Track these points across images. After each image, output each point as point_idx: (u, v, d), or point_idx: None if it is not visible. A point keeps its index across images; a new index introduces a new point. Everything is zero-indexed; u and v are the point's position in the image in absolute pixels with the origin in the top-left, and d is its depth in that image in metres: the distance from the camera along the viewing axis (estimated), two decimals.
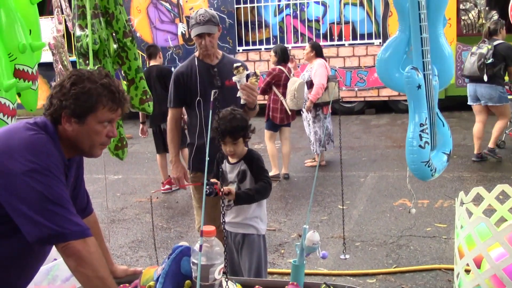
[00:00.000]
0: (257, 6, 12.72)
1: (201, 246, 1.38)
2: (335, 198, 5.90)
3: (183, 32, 12.95)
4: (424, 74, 2.31)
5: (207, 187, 2.85)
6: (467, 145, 8.16)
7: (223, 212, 1.98)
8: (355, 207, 5.58)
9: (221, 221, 2.22)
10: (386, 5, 11.80)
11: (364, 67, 12.03)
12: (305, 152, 7.90)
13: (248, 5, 12.65)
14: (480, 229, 3.09)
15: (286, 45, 12.54)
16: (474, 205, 3.67)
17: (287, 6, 12.61)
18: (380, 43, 11.94)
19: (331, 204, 5.70)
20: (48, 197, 1.75)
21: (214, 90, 1.64)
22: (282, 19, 12.72)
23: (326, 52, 9.65)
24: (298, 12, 12.55)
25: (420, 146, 2.32)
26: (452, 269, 3.91)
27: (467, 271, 3.26)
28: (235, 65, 3.23)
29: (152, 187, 6.92)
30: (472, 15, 15.35)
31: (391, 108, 12.18)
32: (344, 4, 12.28)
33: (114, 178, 7.40)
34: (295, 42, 12.61)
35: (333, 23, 12.39)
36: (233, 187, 2.92)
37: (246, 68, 3.33)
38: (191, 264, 1.60)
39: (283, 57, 6.69)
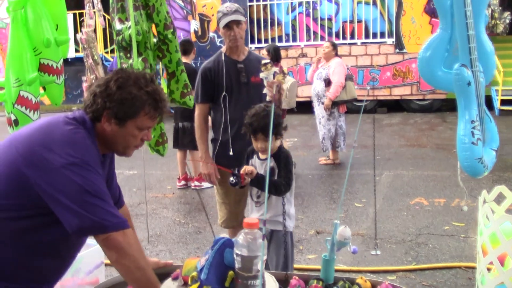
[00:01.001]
0: (269, 4, 12.75)
1: (264, 236, 1.40)
2: (351, 196, 5.92)
3: (196, 29, 12.99)
4: (472, 71, 2.32)
5: (234, 176, 2.88)
6: None
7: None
8: (371, 205, 5.58)
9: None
10: (400, 4, 11.79)
11: (377, 66, 12.02)
12: (318, 150, 7.90)
13: (261, 2, 12.68)
14: (504, 228, 3.10)
15: (298, 43, 12.61)
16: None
17: (300, 4, 12.63)
18: (393, 42, 11.94)
19: (347, 202, 5.71)
20: (88, 190, 1.79)
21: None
22: (295, 17, 12.73)
23: (338, 50, 9.66)
24: (310, 10, 12.56)
25: (472, 143, 2.33)
26: (472, 268, 3.93)
27: (488, 270, 3.26)
28: (263, 61, 3.26)
29: (167, 183, 6.96)
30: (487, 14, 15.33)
31: (402, 107, 12.18)
32: (357, 3, 12.27)
33: (130, 174, 7.44)
34: (307, 40, 12.63)
35: (346, 21, 12.40)
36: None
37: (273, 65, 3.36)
38: (235, 256, 1.63)
39: (275, 56, 6.62)
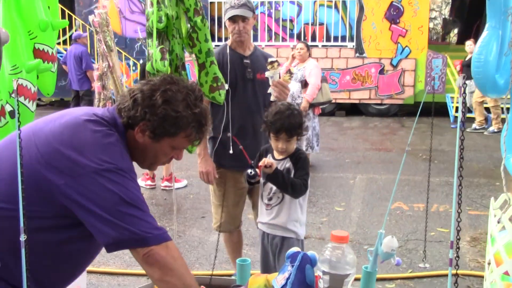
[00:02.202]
0: None
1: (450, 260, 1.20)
2: (329, 199, 5.82)
3: None
4: None
5: (252, 168, 2.69)
6: (444, 151, 8.30)
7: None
8: (352, 209, 5.51)
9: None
10: (361, 9, 11.89)
11: (337, 69, 12.07)
12: None
13: (222, 0, 12.43)
14: None
15: (259, 43, 12.45)
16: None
17: (262, 3, 12.50)
18: (353, 46, 12.02)
19: (327, 206, 5.60)
20: (125, 199, 1.56)
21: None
22: (256, 17, 12.58)
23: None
24: (272, 10, 12.45)
25: None
26: (469, 275, 3.91)
27: None
28: (269, 60, 3.08)
29: None
30: (440, 23, 15.78)
31: (360, 111, 12.29)
32: (319, 5, 12.29)
33: None
34: (268, 41, 12.50)
35: (307, 23, 12.38)
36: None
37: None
38: (321, 274, 1.43)
39: None
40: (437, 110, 11.59)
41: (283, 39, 12.37)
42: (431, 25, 14.47)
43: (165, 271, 1.57)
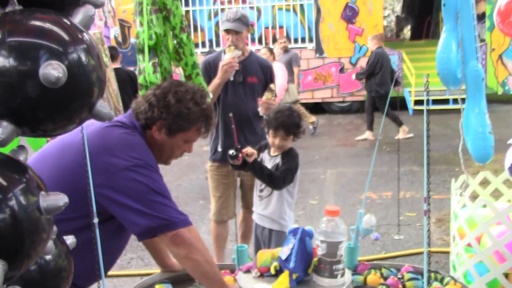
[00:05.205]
0: (192, 10, 12.77)
1: (425, 211, 1.50)
2: (304, 194, 6.14)
3: (116, 35, 12.68)
4: None
5: (235, 150, 2.82)
6: (405, 142, 8.75)
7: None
8: (325, 202, 5.85)
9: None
10: (318, 10, 12.32)
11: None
12: None
13: (183, 8, 12.65)
14: (479, 212, 3.44)
15: (221, 48, 12.72)
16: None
17: (222, 10, 12.76)
18: (313, 47, 12.43)
19: (302, 200, 5.92)
20: (154, 190, 1.82)
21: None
22: (217, 23, 12.84)
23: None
24: None
25: (489, 132, 2.57)
26: (437, 252, 4.29)
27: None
28: (227, 44, 3.46)
29: None
30: (393, 21, 16.42)
31: (323, 109, 12.71)
32: (278, 9, 12.66)
33: None
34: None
35: (267, 27, 12.72)
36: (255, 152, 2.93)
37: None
38: (319, 243, 1.73)
39: None
40: (395, 103, 12.02)
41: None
42: (385, 23, 15.04)
43: (190, 250, 1.84)
